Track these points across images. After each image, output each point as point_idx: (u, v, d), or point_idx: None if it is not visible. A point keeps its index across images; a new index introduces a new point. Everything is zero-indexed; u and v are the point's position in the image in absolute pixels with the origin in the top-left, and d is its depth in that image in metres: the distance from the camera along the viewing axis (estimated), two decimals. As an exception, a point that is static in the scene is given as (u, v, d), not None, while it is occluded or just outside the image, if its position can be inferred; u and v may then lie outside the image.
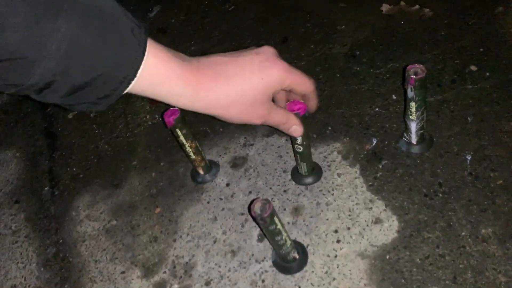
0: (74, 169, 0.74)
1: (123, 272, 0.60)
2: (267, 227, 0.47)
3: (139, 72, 0.39)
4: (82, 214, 0.68)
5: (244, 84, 0.45)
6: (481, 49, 0.69)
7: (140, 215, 0.65)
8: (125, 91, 0.40)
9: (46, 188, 0.73)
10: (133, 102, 0.81)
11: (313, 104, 0.55)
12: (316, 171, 0.62)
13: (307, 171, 0.61)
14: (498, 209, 0.53)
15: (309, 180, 0.61)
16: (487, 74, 0.66)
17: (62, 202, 0.70)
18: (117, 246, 0.63)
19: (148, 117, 0.78)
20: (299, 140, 0.55)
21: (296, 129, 0.52)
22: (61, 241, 0.66)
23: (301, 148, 0.56)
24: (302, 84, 0.50)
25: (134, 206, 0.66)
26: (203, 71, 0.43)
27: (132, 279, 0.59)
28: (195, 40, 0.88)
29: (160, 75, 0.41)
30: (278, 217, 0.47)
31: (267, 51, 0.48)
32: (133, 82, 0.39)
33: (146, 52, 0.39)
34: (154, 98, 0.43)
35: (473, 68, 0.67)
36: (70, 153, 0.77)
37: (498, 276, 0.48)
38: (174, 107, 0.58)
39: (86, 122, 0.81)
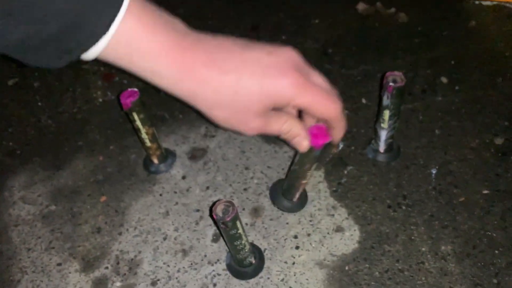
0: (11, 143, 0.66)
1: (59, 264, 0.54)
2: (228, 232, 0.43)
3: (111, 31, 0.32)
4: (17, 195, 0.61)
5: (237, 85, 0.35)
6: (453, 62, 0.69)
7: (83, 202, 0.59)
8: (94, 51, 0.33)
9: (-25, 162, 0.65)
10: (83, 75, 0.74)
11: (338, 134, 0.43)
12: (302, 200, 0.55)
13: (291, 196, 0.53)
14: (459, 226, 0.53)
15: (289, 205, 0.54)
16: (457, 87, 0.65)
17: (-7, 179, 0.63)
18: (54, 234, 0.56)
19: (99, 93, 0.71)
20: (299, 159, 0.46)
21: (300, 142, 0.42)
22: (-11, 224, 0.59)
23: (296, 172, 0.48)
24: (322, 107, 0.39)
25: (77, 192, 0.60)
26: (196, 53, 0.35)
27: (69, 273, 0.53)
28: (159, 15, 0.82)
29: (140, 44, 0.34)
30: (240, 222, 0.43)
31: (285, 55, 0.37)
32: (103, 43, 0.33)
33: (124, 8, 0.32)
34: (131, 72, 0.36)
35: (444, 80, 0.66)
36: (6, 125, 0.69)
37: (455, 296, 0.48)
38: (134, 88, 0.53)
39: (29, 92, 0.73)
